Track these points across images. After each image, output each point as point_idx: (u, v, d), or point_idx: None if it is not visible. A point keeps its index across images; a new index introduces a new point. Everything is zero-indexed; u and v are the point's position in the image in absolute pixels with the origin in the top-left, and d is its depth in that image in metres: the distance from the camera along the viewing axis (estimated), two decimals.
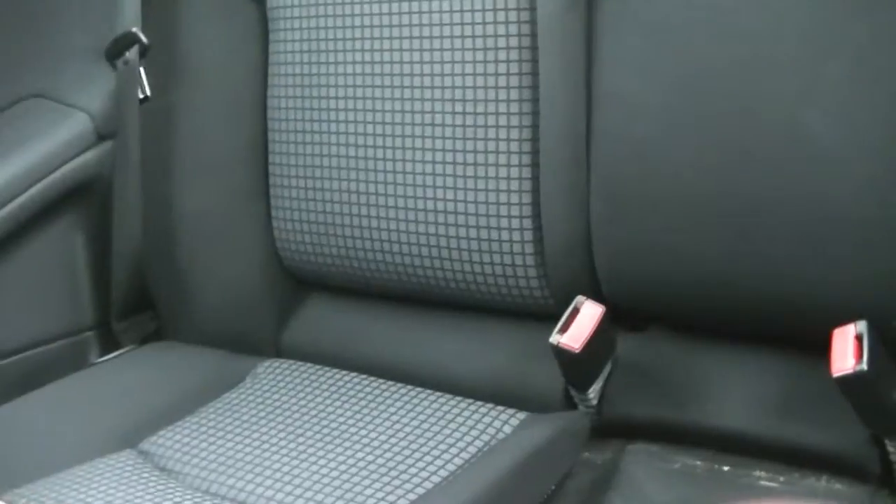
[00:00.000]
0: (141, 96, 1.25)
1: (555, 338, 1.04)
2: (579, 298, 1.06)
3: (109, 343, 1.30)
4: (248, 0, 1.26)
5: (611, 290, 1.09)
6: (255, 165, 1.27)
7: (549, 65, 1.06)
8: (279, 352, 1.29)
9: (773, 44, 0.96)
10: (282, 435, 1.05)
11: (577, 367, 1.06)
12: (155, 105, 1.26)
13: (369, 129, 1.18)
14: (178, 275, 1.28)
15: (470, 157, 1.12)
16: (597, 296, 1.08)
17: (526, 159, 1.10)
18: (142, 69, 1.25)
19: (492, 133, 1.11)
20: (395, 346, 1.23)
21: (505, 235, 1.11)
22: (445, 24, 1.12)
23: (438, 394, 1.11)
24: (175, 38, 1.27)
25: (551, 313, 1.10)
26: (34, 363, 1.25)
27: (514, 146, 1.10)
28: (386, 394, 1.12)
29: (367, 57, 1.17)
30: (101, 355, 1.29)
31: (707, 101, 0.99)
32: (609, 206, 1.05)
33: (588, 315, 1.05)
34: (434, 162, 1.14)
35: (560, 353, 1.04)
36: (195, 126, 1.26)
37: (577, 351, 1.03)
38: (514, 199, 1.10)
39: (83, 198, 1.28)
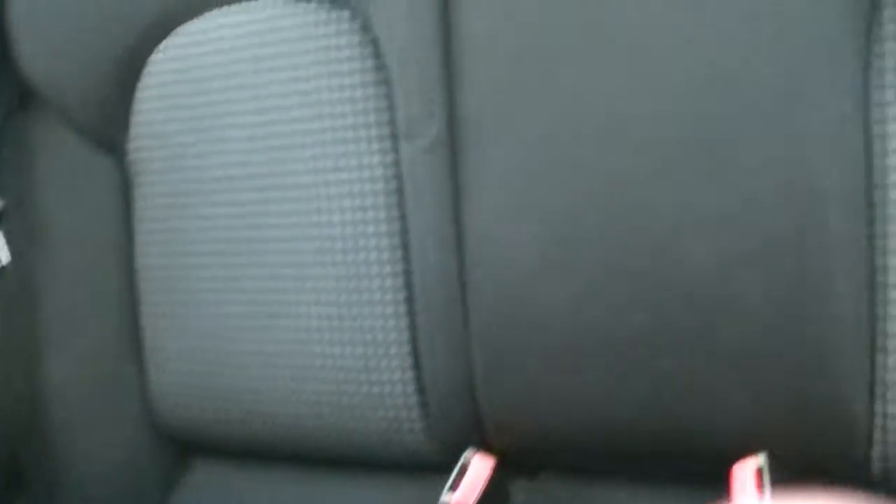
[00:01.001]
0: (0, 264, 1.19)
1: (445, 498, 0.98)
2: (467, 454, 1.00)
3: None
4: (107, 155, 1.20)
5: (499, 439, 1.03)
6: (127, 328, 1.20)
7: (415, 206, 1.01)
8: None
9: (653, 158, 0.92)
10: None
11: None
12: (14, 270, 1.19)
13: (242, 283, 1.12)
14: (49, 450, 1.21)
15: (344, 310, 1.07)
16: (483, 444, 1.03)
17: (402, 308, 1.04)
18: (0, 235, 1.19)
19: (364, 284, 1.05)
20: None
21: (387, 388, 1.06)
22: (309, 172, 1.07)
23: None
24: (33, 199, 1.20)
25: (441, 466, 1.05)
26: None
27: (387, 296, 1.05)
28: None
29: (235, 207, 1.12)
30: None
31: (584, 231, 0.95)
32: (489, 351, 1.00)
33: (478, 470, 1.00)
34: (309, 316, 1.08)
35: None
36: (57, 289, 1.20)
37: None
38: (393, 349, 1.05)
39: None
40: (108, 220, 1.21)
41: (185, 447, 1.23)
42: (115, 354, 1.20)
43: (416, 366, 1.04)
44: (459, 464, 0.99)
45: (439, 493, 1.01)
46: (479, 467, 1.00)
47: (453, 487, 0.98)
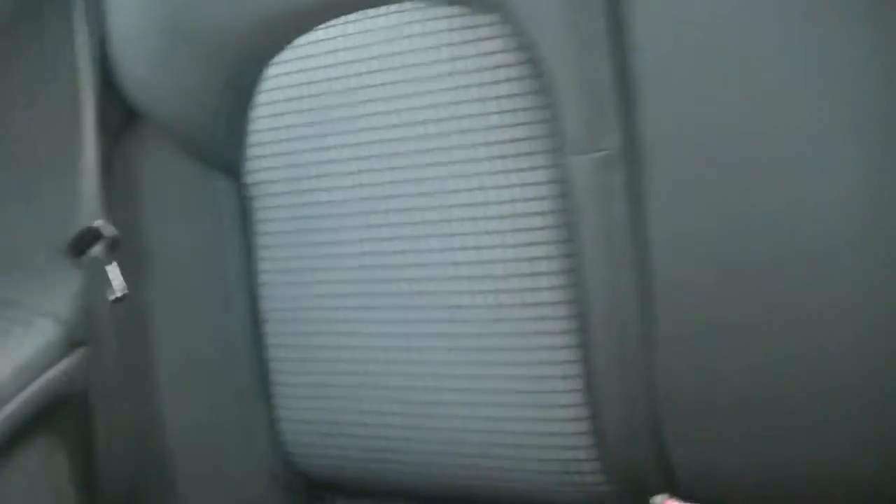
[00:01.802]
0: (115, 296, 1.11)
1: None
2: (656, 500, 0.92)
3: None
4: (223, 176, 1.13)
5: (687, 481, 0.95)
6: (252, 364, 1.13)
7: (587, 225, 0.94)
8: None
9: None
10: None
11: None
12: (129, 305, 1.12)
13: (380, 313, 1.05)
14: (174, 494, 1.13)
15: (505, 342, 0.99)
16: (668, 486, 0.95)
17: (573, 338, 0.97)
18: (114, 265, 1.11)
19: (529, 313, 0.98)
20: None
21: (557, 427, 0.98)
22: (459, 192, 0.99)
23: None
24: (146, 226, 1.13)
25: None
26: None
27: (557, 325, 0.97)
28: None
29: (369, 234, 1.04)
30: None
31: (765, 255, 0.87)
32: (679, 385, 0.92)
33: None
34: (463, 350, 1.00)
35: None
36: (179, 324, 1.13)
37: None
38: (563, 384, 0.97)
39: (60, 417, 1.12)
40: (228, 249, 1.13)
41: (316, 487, 1.16)
42: (240, 393, 1.13)
43: (592, 401, 0.96)
44: None
45: None
46: None
47: None
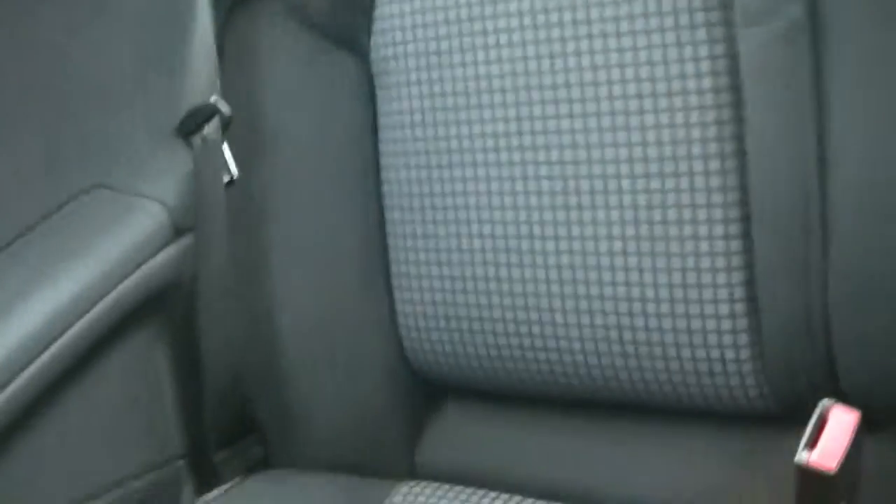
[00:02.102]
0: (226, 179, 1.03)
1: (802, 456, 0.81)
2: (825, 403, 0.83)
3: (207, 476, 1.07)
4: (345, 52, 1.04)
5: (854, 387, 0.86)
6: (371, 252, 1.04)
7: (761, 105, 0.84)
8: (414, 472, 1.07)
9: None
10: None
11: (825, 495, 0.83)
12: (242, 188, 1.04)
13: (517, 198, 0.96)
14: (285, 391, 1.06)
15: (657, 229, 0.90)
16: (833, 393, 0.85)
17: (735, 228, 0.87)
18: (225, 146, 1.03)
19: (686, 198, 0.89)
20: (560, 461, 1.01)
21: (711, 324, 0.89)
22: (612, 67, 0.90)
23: None
24: (261, 105, 1.04)
25: (767, 416, 0.90)
26: None
27: (716, 213, 0.88)
28: None
29: (506, 112, 0.95)
30: (198, 491, 1.07)
31: None
32: (854, 281, 0.83)
33: (841, 424, 0.82)
34: (609, 237, 0.92)
35: (807, 476, 0.81)
36: (294, 210, 1.05)
37: (832, 472, 0.80)
38: (721, 277, 0.88)
39: (163, 306, 1.05)
40: (350, 128, 1.04)
41: (436, 386, 1.08)
42: (359, 283, 1.05)
43: (751, 296, 0.87)
44: (816, 415, 0.82)
45: (772, 448, 0.88)
46: (841, 421, 0.82)
47: (811, 444, 0.81)
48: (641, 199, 0.89)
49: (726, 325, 0.88)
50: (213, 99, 1.02)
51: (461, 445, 1.06)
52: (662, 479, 0.96)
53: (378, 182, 1.04)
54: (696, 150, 0.87)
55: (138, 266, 1.02)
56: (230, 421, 1.07)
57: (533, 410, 1.03)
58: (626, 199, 0.90)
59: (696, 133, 0.87)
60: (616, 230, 0.91)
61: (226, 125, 1.03)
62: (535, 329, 0.96)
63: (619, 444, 0.99)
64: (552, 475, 1.00)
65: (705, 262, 0.88)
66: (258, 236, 1.04)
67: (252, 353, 1.05)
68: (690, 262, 0.88)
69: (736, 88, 0.86)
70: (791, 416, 0.87)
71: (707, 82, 0.86)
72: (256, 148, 1.04)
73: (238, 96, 1.04)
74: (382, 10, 1.01)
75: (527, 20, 0.93)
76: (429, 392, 1.08)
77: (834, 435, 0.82)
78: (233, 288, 1.04)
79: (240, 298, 1.04)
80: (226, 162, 1.03)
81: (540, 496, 0.97)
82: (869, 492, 0.86)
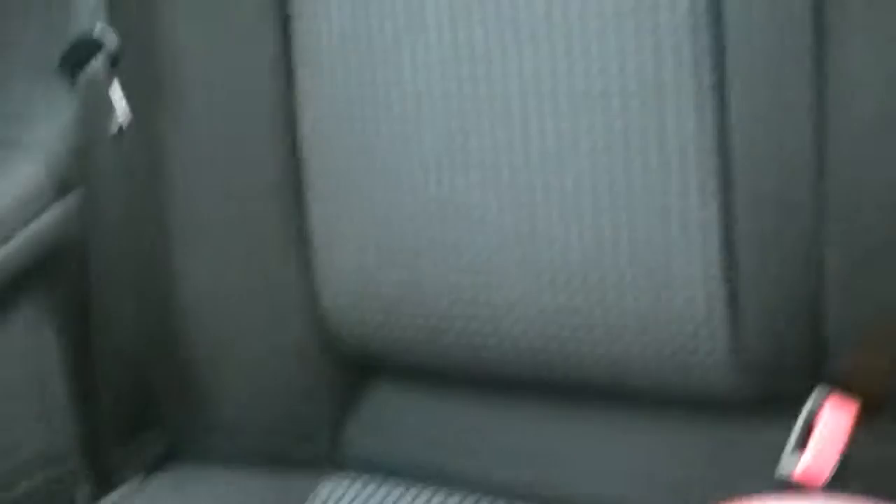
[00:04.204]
0: (116, 125, 0.89)
1: (787, 465, 0.68)
2: (817, 394, 0.69)
3: (103, 475, 0.95)
4: None
5: (851, 370, 0.72)
6: (286, 213, 0.89)
7: (742, 36, 0.70)
8: (342, 463, 0.92)
9: None
10: None
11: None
12: (136, 137, 0.89)
13: (465, 153, 0.81)
14: (191, 375, 0.92)
15: (618, 183, 0.75)
16: (818, 382, 0.74)
17: (712, 183, 0.73)
18: (114, 85, 0.88)
19: (654, 161, 0.74)
20: (509, 452, 0.87)
21: (680, 295, 0.75)
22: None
23: None
24: (155, 34, 0.89)
25: (747, 403, 0.77)
26: None
27: (689, 162, 0.73)
28: None
29: (448, 37, 0.80)
30: (93, 493, 0.94)
31: None
32: (855, 250, 0.69)
33: (836, 422, 0.69)
34: (567, 206, 0.77)
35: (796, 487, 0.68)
36: (196, 162, 0.89)
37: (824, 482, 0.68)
38: (696, 241, 0.74)
39: (51, 277, 0.92)
40: (261, 65, 0.89)
41: (366, 366, 0.93)
42: (272, 251, 0.90)
43: (729, 275, 0.73)
44: (807, 408, 0.68)
45: (752, 438, 0.75)
46: (837, 417, 0.69)
47: (801, 444, 0.68)
48: (601, 155, 0.75)
49: (700, 304, 0.74)
50: (97, 28, 0.88)
51: (395, 433, 0.93)
52: (628, 472, 0.83)
53: (295, 129, 0.88)
54: (670, 84, 0.73)
55: (16, 230, 0.88)
56: (130, 411, 0.95)
57: (478, 394, 0.89)
58: (585, 162, 0.76)
59: (668, 75, 0.72)
60: (575, 199, 0.77)
61: (114, 60, 0.88)
62: (482, 303, 0.83)
63: (580, 435, 0.86)
64: (499, 468, 0.87)
65: (675, 224, 0.74)
66: (154, 195, 0.90)
67: (152, 334, 0.92)
68: (654, 221, 0.74)
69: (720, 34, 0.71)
70: (773, 404, 0.73)
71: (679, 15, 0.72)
72: (151, 90, 0.89)
73: (133, 24, 0.89)
74: None
75: None
76: (357, 373, 0.94)
77: (827, 435, 0.69)
78: (131, 255, 0.90)
79: (136, 270, 0.90)
80: (115, 105, 0.89)
81: (485, 492, 0.85)
82: (862, 481, 0.73)
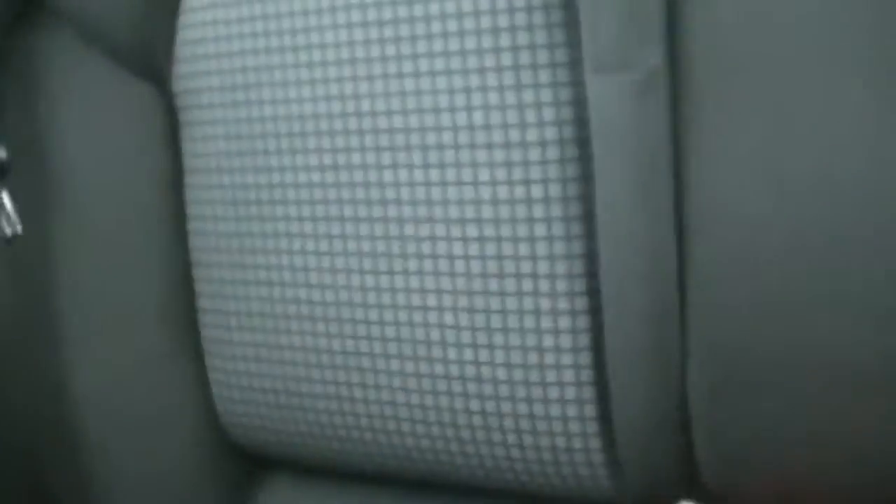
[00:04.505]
0: (8, 233, 0.88)
1: None
2: None
3: None
4: (148, 84, 0.89)
5: (717, 479, 0.75)
6: (179, 312, 0.91)
7: (611, 162, 0.71)
8: None
9: None
10: None
11: None
12: (27, 243, 0.90)
13: (335, 260, 0.83)
14: (83, 467, 0.92)
15: (494, 301, 0.77)
16: (690, 481, 0.76)
17: (581, 302, 0.75)
18: (4, 195, 0.88)
19: (526, 267, 0.76)
20: None
21: (555, 409, 0.77)
22: (442, 111, 0.77)
23: None
24: (48, 146, 0.90)
25: None
26: None
27: (560, 285, 0.75)
28: None
29: (321, 160, 0.82)
30: None
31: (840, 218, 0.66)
32: (717, 368, 0.71)
33: None
34: (438, 309, 0.79)
35: None
36: (90, 268, 0.90)
37: None
38: (566, 357, 0.76)
39: None
40: (155, 172, 0.90)
41: (256, 461, 0.95)
42: (163, 350, 0.91)
43: (601, 380, 0.75)
44: None
45: None
46: None
47: None
48: (475, 266, 0.77)
49: (572, 410, 0.76)
50: None
51: None
52: None
53: (185, 233, 0.90)
54: (538, 211, 0.74)
55: None
56: (20, 500, 0.93)
57: (369, 490, 0.90)
58: (459, 265, 0.77)
59: (537, 192, 0.74)
60: (447, 300, 0.78)
61: (4, 170, 0.87)
62: (359, 405, 0.84)
63: None
64: None
65: (548, 341, 0.76)
66: (48, 299, 0.90)
67: (43, 437, 0.91)
68: (531, 339, 0.76)
69: (584, 141, 0.73)
70: None
71: (550, 132, 0.73)
72: (44, 195, 0.89)
73: (21, 136, 0.89)
74: (185, 34, 0.87)
75: (345, 53, 0.79)
76: (252, 465, 0.95)
77: None
78: (20, 361, 0.90)
79: (24, 374, 0.90)
80: (7, 214, 0.88)
81: None
82: None
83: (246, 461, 0.95)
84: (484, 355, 0.78)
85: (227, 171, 0.86)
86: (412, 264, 0.79)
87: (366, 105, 0.79)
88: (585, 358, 0.75)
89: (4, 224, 0.88)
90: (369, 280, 0.81)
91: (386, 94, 0.78)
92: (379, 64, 0.78)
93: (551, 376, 0.76)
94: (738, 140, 0.68)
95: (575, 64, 0.72)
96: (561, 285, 0.75)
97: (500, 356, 0.77)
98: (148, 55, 0.89)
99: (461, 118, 0.76)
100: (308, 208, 0.83)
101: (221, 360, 0.89)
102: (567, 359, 0.75)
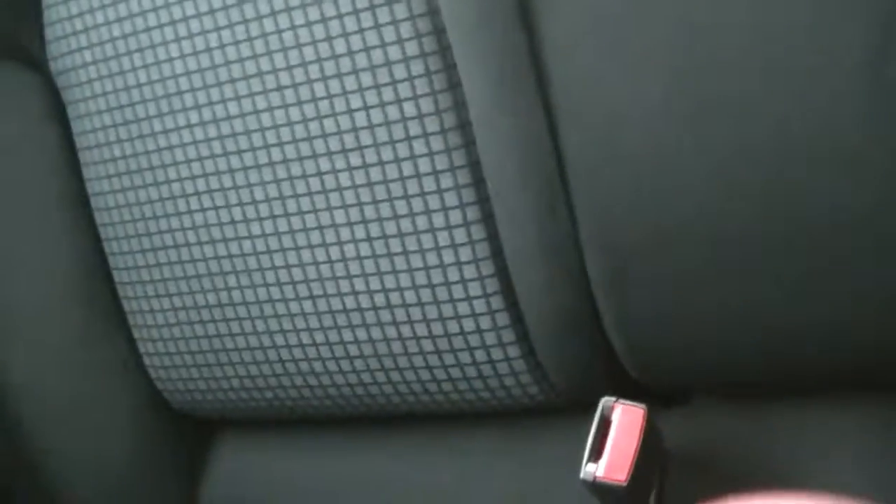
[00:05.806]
0: None
1: (588, 471, 0.70)
2: (605, 402, 0.72)
3: None
4: (22, 66, 0.88)
5: (637, 366, 0.74)
6: (97, 292, 0.91)
7: (470, 69, 0.71)
8: None
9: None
10: None
11: (623, 498, 0.72)
12: None
13: (232, 212, 0.82)
14: (28, 463, 0.92)
15: (389, 225, 0.76)
16: (616, 373, 0.75)
17: (472, 213, 0.74)
18: None
19: (413, 185, 0.75)
20: (349, 485, 0.89)
21: (469, 324, 0.76)
22: (302, 45, 0.76)
23: None
24: None
25: (560, 411, 0.80)
26: None
27: (450, 198, 0.74)
28: None
29: (204, 114, 0.81)
30: None
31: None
32: (611, 258, 0.70)
33: (627, 425, 0.71)
34: (339, 242, 0.79)
35: (600, 490, 0.70)
36: (10, 262, 0.90)
37: (623, 483, 0.69)
38: (469, 271, 0.75)
39: None
40: (45, 155, 0.89)
41: (204, 425, 0.95)
42: (97, 329, 0.91)
43: (506, 288, 0.75)
44: (597, 417, 0.71)
45: (552, 452, 0.79)
46: (628, 421, 0.71)
47: (596, 454, 0.70)
48: (365, 194, 0.76)
49: (485, 322, 0.76)
50: None
51: (247, 483, 0.94)
52: (454, 490, 0.85)
53: (90, 211, 0.89)
54: (415, 129, 0.74)
55: None
56: None
57: (313, 435, 0.91)
58: (349, 195, 0.77)
59: (410, 110, 0.74)
60: (345, 233, 0.78)
61: None
62: (283, 351, 0.84)
63: (409, 459, 0.88)
64: (345, 501, 0.89)
65: (448, 257, 0.75)
66: None
67: None
68: (432, 258, 0.76)
69: (446, 49, 0.72)
70: (587, 408, 0.75)
71: (411, 48, 0.73)
72: None
73: None
74: (50, 13, 0.86)
75: (203, 5, 0.79)
76: (202, 430, 0.95)
77: (620, 440, 0.71)
78: None
79: None
80: None
81: None
82: (678, 468, 0.76)
83: (194, 427, 0.95)
84: (390, 281, 0.77)
85: (116, 143, 0.85)
86: (305, 203, 0.79)
87: (232, 53, 0.78)
88: (488, 267, 0.75)
89: None
90: (268, 225, 0.80)
91: (249, 38, 0.77)
92: (236, 10, 0.77)
93: (458, 292, 0.76)
94: (594, 21, 0.67)
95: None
96: (450, 199, 0.74)
97: (405, 280, 0.77)
98: (15, 39, 0.87)
99: (324, 49, 0.75)
100: (198, 165, 0.82)
101: (147, 329, 0.89)
102: (470, 271, 0.75)
